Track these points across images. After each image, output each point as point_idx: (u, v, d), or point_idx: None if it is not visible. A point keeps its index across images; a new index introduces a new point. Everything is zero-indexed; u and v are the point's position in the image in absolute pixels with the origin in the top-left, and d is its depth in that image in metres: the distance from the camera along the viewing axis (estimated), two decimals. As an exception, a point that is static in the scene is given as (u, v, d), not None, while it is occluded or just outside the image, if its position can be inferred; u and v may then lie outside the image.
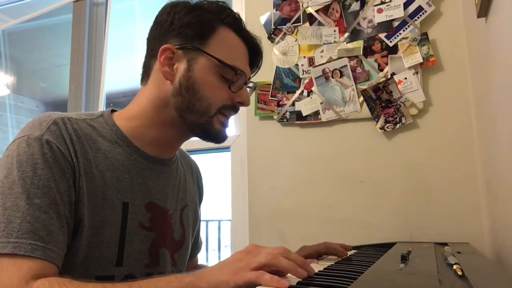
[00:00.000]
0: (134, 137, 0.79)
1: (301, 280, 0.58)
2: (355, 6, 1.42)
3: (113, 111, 0.83)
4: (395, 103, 1.34)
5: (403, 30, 1.35)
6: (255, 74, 0.89)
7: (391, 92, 1.34)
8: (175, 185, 0.88)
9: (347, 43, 1.42)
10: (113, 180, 0.74)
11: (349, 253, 1.02)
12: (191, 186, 0.96)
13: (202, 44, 0.77)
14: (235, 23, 0.81)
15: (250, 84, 0.87)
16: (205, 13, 0.79)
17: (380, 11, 1.39)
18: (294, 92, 1.47)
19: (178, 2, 0.80)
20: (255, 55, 0.86)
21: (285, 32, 1.50)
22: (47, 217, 0.64)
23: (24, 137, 0.67)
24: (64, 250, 0.67)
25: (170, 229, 0.85)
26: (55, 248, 0.64)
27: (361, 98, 1.38)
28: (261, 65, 0.89)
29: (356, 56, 1.40)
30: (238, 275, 0.58)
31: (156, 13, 0.84)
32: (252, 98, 1.51)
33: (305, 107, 1.45)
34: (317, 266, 0.72)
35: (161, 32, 0.80)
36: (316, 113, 1.43)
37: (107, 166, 0.74)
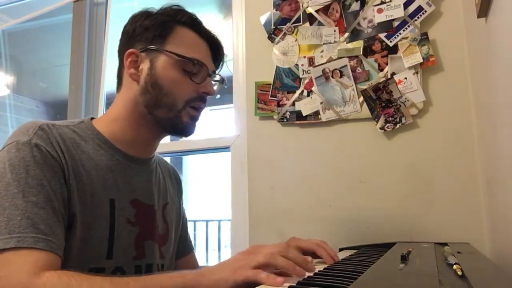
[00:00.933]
0: (114, 139, 0.84)
1: (300, 280, 0.58)
2: (355, 6, 1.42)
3: (92, 119, 0.88)
4: (395, 103, 1.34)
5: (403, 30, 1.35)
6: (220, 68, 0.94)
7: (391, 92, 1.34)
8: (156, 183, 0.93)
9: (347, 43, 1.42)
10: (99, 179, 0.78)
11: (348, 253, 1.02)
12: (170, 187, 1.01)
13: (162, 43, 0.84)
14: (191, 22, 0.87)
15: (217, 78, 0.92)
16: (162, 16, 0.86)
17: (380, 11, 1.39)
18: (294, 92, 1.47)
19: (139, 11, 0.88)
20: (216, 49, 0.92)
21: (285, 32, 1.50)
22: (44, 213, 0.67)
23: (13, 143, 0.71)
24: (63, 243, 0.70)
25: (156, 224, 0.89)
26: (55, 240, 0.67)
27: (361, 98, 1.38)
28: (224, 58, 0.94)
29: (356, 56, 1.40)
30: (237, 273, 0.61)
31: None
32: (252, 98, 1.51)
33: (305, 107, 1.45)
34: (316, 267, 0.72)
35: (126, 41, 0.88)
36: (316, 113, 1.43)
37: (92, 166, 0.78)
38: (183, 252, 1.04)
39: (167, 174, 1.02)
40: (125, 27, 0.89)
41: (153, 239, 0.87)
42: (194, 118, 0.87)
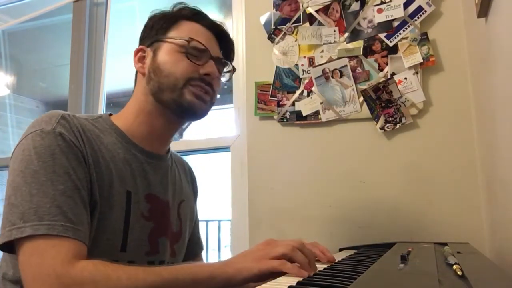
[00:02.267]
0: (131, 134, 0.85)
1: (300, 280, 0.58)
2: (355, 6, 1.42)
3: (110, 115, 0.88)
4: (395, 103, 1.34)
5: (403, 30, 1.35)
6: (232, 57, 0.96)
7: (391, 92, 1.34)
8: (171, 180, 0.93)
9: (347, 43, 1.42)
10: (117, 171, 0.79)
11: (348, 253, 1.02)
12: (185, 184, 1.01)
13: (163, 34, 0.87)
14: (194, 15, 0.90)
15: (230, 67, 0.94)
16: (166, 13, 0.90)
17: (380, 11, 1.39)
18: (294, 92, 1.47)
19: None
20: (222, 37, 0.93)
21: (285, 32, 1.50)
22: (72, 201, 0.68)
23: (37, 131, 0.71)
24: (89, 232, 0.70)
25: (169, 220, 0.89)
26: (83, 229, 0.68)
27: (361, 98, 1.38)
28: (232, 46, 0.96)
29: (356, 56, 1.40)
30: (261, 263, 0.66)
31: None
32: (252, 98, 1.51)
33: (305, 107, 1.45)
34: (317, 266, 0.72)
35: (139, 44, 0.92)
36: (316, 113, 1.43)
37: (110, 158, 0.79)
38: (192, 252, 1.03)
39: (183, 171, 1.02)
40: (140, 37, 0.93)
41: (166, 236, 0.87)
42: (199, 97, 0.85)
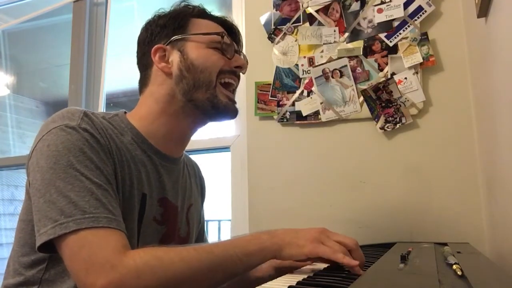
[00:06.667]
0: (147, 135, 0.83)
1: (300, 280, 0.58)
2: (355, 6, 1.42)
3: (125, 113, 0.87)
4: (395, 103, 1.34)
5: (403, 30, 1.35)
6: (241, 49, 0.96)
7: (391, 92, 1.34)
8: (183, 184, 0.92)
9: (347, 43, 1.42)
10: (136, 172, 0.78)
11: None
12: (195, 188, 1.00)
13: (184, 32, 0.86)
14: (202, 12, 0.90)
15: (242, 57, 0.93)
16: (175, 11, 0.89)
17: (380, 11, 1.39)
18: (294, 92, 1.47)
19: (149, 18, 0.90)
20: (233, 31, 0.94)
21: (285, 32, 1.50)
22: (108, 194, 0.66)
23: (60, 126, 0.69)
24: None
25: (178, 225, 0.88)
26: (122, 220, 0.66)
27: (361, 98, 1.38)
28: (241, 39, 0.97)
29: (356, 56, 1.40)
30: (314, 245, 0.67)
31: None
32: (252, 98, 1.51)
33: (305, 107, 1.45)
34: (317, 266, 0.72)
35: (146, 45, 0.88)
36: (316, 113, 1.43)
37: (130, 157, 0.78)
38: None
39: (193, 174, 1.01)
40: (139, 37, 0.90)
41: (175, 240, 0.87)
42: (231, 99, 0.87)
